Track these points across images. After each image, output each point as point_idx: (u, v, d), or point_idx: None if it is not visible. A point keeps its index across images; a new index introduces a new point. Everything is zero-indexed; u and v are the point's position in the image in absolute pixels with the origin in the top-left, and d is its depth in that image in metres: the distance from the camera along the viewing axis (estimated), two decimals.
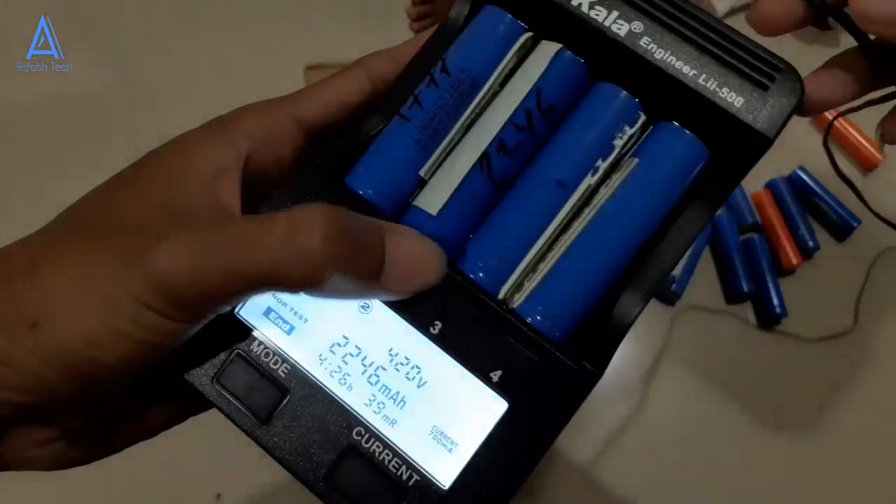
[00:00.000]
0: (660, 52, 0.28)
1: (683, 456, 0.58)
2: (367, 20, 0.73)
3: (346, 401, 0.27)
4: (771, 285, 0.63)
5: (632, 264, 0.28)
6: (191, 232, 0.23)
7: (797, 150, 0.66)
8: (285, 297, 0.28)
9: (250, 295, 0.26)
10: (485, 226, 0.29)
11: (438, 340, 0.27)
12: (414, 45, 0.32)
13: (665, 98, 0.28)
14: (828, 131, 0.32)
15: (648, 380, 0.60)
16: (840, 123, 0.67)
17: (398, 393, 0.27)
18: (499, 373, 0.27)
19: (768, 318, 0.62)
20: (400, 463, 0.27)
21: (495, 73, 0.30)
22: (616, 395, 0.60)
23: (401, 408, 0.27)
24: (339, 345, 0.28)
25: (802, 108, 0.28)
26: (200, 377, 0.28)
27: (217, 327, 0.26)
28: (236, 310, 0.28)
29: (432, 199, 0.29)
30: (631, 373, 0.61)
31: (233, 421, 0.28)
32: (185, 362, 0.28)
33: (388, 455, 0.27)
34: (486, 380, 0.27)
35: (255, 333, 0.28)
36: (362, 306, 0.27)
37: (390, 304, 0.27)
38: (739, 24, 0.28)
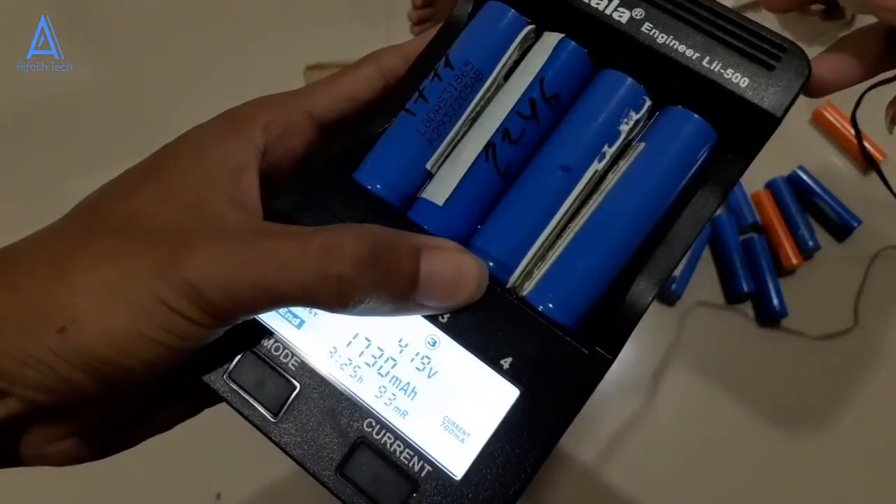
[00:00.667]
0: (662, 37, 0.28)
1: (686, 455, 0.58)
2: (368, 20, 0.73)
3: (356, 393, 0.27)
4: (771, 285, 0.62)
5: (642, 250, 0.28)
6: (225, 243, 0.24)
7: (797, 150, 0.66)
8: None
9: (278, 308, 0.27)
10: (493, 215, 0.29)
11: (448, 330, 0.27)
12: (423, 40, 0.32)
13: (670, 82, 0.28)
14: (857, 105, 0.32)
15: (648, 380, 0.60)
16: (840, 123, 0.67)
17: (409, 384, 0.27)
18: (509, 360, 0.27)
19: (768, 318, 0.62)
20: (412, 454, 0.26)
21: (499, 66, 0.30)
22: (617, 395, 0.60)
23: (412, 398, 0.27)
24: (348, 337, 0.28)
25: (811, 90, 0.28)
26: (213, 374, 0.28)
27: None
28: None
29: (439, 191, 0.29)
30: (631, 373, 0.61)
31: (244, 416, 0.28)
32: (199, 360, 0.28)
33: (399, 446, 0.26)
34: (497, 367, 0.27)
35: (265, 328, 0.28)
36: None
37: None
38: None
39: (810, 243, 0.63)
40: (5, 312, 0.24)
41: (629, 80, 0.29)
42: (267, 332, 0.28)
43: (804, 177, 0.66)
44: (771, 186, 0.67)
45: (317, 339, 0.28)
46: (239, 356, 0.28)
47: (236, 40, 0.73)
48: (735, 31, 0.28)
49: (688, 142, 0.28)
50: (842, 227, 0.65)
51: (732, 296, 0.63)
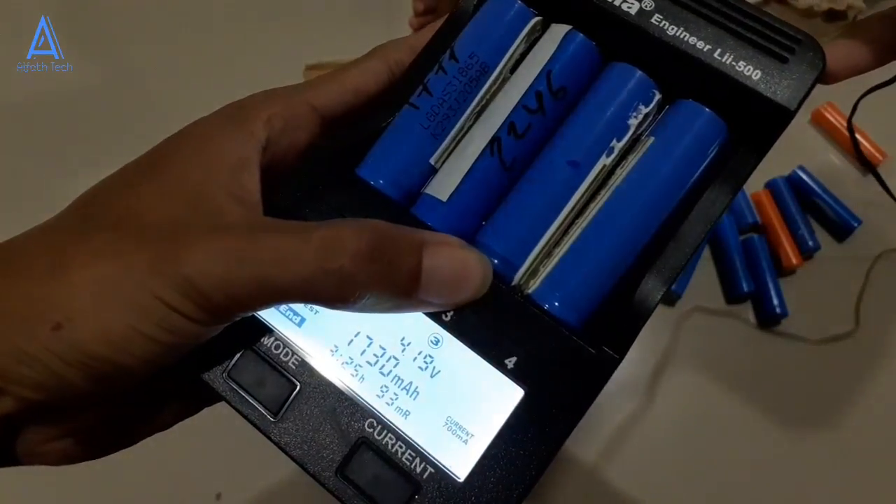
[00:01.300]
0: (672, 29, 0.27)
1: (686, 455, 0.58)
2: (367, 20, 0.72)
3: (357, 393, 0.27)
4: (771, 285, 0.62)
5: (650, 247, 0.28)
6: (223, 238, 0.23)
7: (797, 150, 0.66)
8: None
9: (277, 305, 0.26)
10: (497, 211, 0.29)
11: (451, 328, 0.27)
12: (429, 32, 0.31)
13: (681, 76, 0.28)
14: (853, 111, 0.32)
15: (648, 380, 0.60)
16: (840, 123, 0.67)
17: (411, 383, 0.26)
18: (514, 359, 0.26)
19: (768, 319, 0.62)
20: (413, 455, 0.26)
21: (505, 58, 0.30)
22: (617, 395, 0.60)
23: (414, 398, 0.26)
24: (350, 336, 0.27)
25: (823, 77, 0.27)
26: (212, 372, 0.27)
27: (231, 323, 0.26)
28: None
29: (442, 186, 0.29)
30: (631, 373, 0.61)
31: (244, 416, 0.27)
32: (197, 358, 0.27)
33: (401, 447, 0.26)
34: (501, 367, 0.26)
35: (266, 326, 0.27)
36: None
37: None
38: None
39: (810, 243, 0.63)
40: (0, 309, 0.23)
41: (638, 72, 0.28)
42: (267, 330, 0.27)
43: (804, 177, 0.65)
44: (771, 186, 0.66)
45: (318, 337, 0.27)
46: (239, 354, 0.27)
47: (236, 40, 0.72)
48: (747, 22, 0.27)
49: (698, 136, 0.28)
50: (842, 227, 0.64)
51: (732, 296, 0.63)
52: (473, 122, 0.30)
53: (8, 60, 0.70)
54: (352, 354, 0.27)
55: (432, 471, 0.26)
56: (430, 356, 0.27)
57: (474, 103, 0.30)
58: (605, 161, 0.28)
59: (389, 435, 0.26)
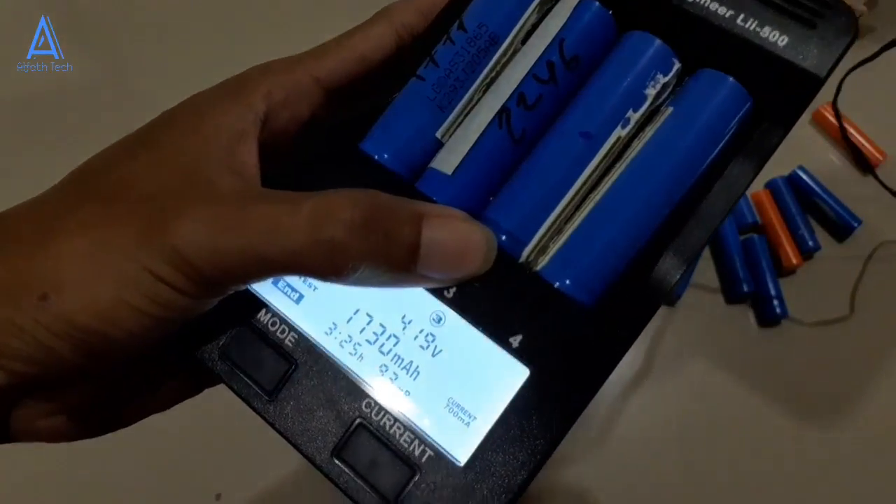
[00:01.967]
0: None
1: (686, 455, 0.58)
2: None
3: (356, 372, 0.26)
4: (771, 285, 0.62)
5: (668, 224, 0.26)
6: (213, 208, 0.23)
7: (797, 150, 0.66)
8: None
9: (271, 277, 0.25)
10: (506, 185, 0.27)
11: (454, 305, 0.25)
12: None
13: (701, 44, 0.26)
14: (838, 92, 0.31)
15: (647, 380, 0.60)
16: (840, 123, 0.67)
17: (411, 363, 0.25)
18: (519, 338, 0.25)
19: (768, 319, 0.62)
20: (412, 437, 0.25)
21: (515, 28, 0.29)
22: (616, 395, 0.60)
23: (414, 378, 0.25)
24: (349, 313, 0.26)
25: None
26: (206, 350, 0.26)
27: (224, 297, 0.25)
28: None
29: (448, 159, 0.28)
30: (629, 373, 0.61)
31: (238, 394, 0.26)
32: (191, 334, 0.26)
33: (399, 429, 0.25)
34: (506, 345, 0.25)
35: (262, 303, 0.27)
36: None
37: None
38: None
39: (810, 243, 0.63)
40: None
41: (657, 41, 0.27)
42: (263, 306, 0.27)
43: (804, 177, 0.65)
44: (771, 186, 0.66)
45: (315, 314, 0.26)
46: (233, 331, 0.26)
47: (236, 40, 0.72)
48: None
49: (721, 106, 0.26)
50: (842, 227, 0.64)
51: (732, 296, 0.63)
52: (482, 95, 0.29)
53: (8, 60, 0.70)
54: (351, 332, 0.26)
55: (431, 454, 0.25)
56: (431, 334, 0.25)
57: (483, 75, 0.29)
58: (620, 133, 0.27)
59: (387, 416, 0.25)
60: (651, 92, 0.27)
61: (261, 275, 0.23)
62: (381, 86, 0.29)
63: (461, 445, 0.24)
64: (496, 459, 0.24)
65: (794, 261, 0.63)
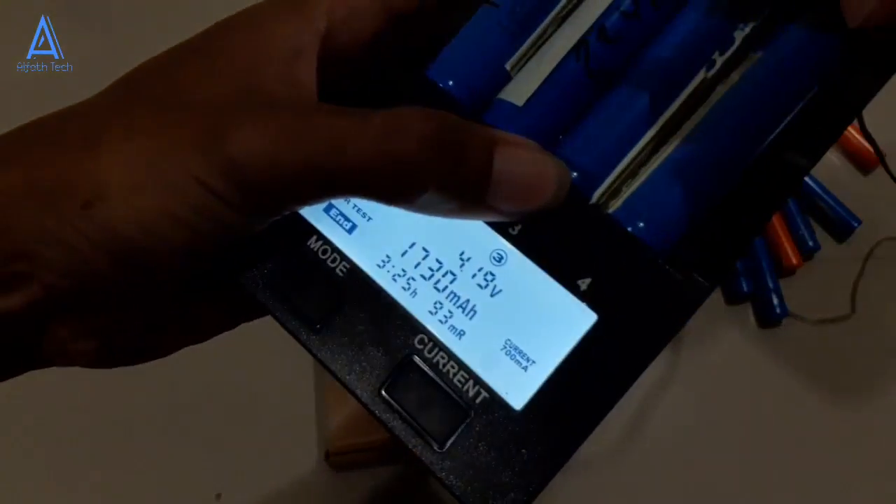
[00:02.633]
0: None
1: (686, 454, 0.58)
2: None
3: (408, 308, 0.24)
4: (771, 285, 0.62)
5: (748, 174, 0.25)
6: (274, 117, 0.21)
7: None
8: None
9: (329, 198, 0.23)
10: (579, 122, 0.26)
11: (518, 242, 0.24)
12: None
13: None
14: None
15: (648, 381, 0.60)
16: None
17: (468, 301, 0.24)
18: (588, 280, 0.23)
19: (768, 319, 0.62)
20: (466, 378, 0.23)
21: None
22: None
23: (470, 318, 0.24)
24: (404, 246, 0.25)
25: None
26: (251, 277, 0.25)
27: (274, 222, 0.23)
28: None
29: (519, 90, 0.26)
30: None
31: (282, 324, 0.25)
32: (235, 260, 0.25)
33: (453, 368, 0.23)
34: (573, 288, 0.23)
35: (313, 229, 0.25)
36: None
37: None
38: None
39: (810, 243, 0.63)
40: (24, 188, 0.21)
41: None
42: (314, 233, 0.25)
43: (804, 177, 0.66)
44: None
45: (368, 245, 0.25)
46: (281, 257, 0.25)
47: None
48: None
49: (811, 55, 0.25)
50: (842, 227, 0.64)
51: (732, 296, 0.63)
52: (557, 28, 0.27)
53: (8, 60, 0.69)
54: (405, 266, 0.25)
55: (486, 396, 0.23)
56: (491, 273, 0.24)
57: (561, 5, 0.27)
58: (704, 75, 0.25)
59: (441, 354, 0.24)
60: (740, 34, 0.26)
61: (320, 193, 0.22)
62: (450, 13, 0.28)
63: (518, 390, 0.23)
64: (555, 408, 0.23)
65: (794, 261, 0.63)
